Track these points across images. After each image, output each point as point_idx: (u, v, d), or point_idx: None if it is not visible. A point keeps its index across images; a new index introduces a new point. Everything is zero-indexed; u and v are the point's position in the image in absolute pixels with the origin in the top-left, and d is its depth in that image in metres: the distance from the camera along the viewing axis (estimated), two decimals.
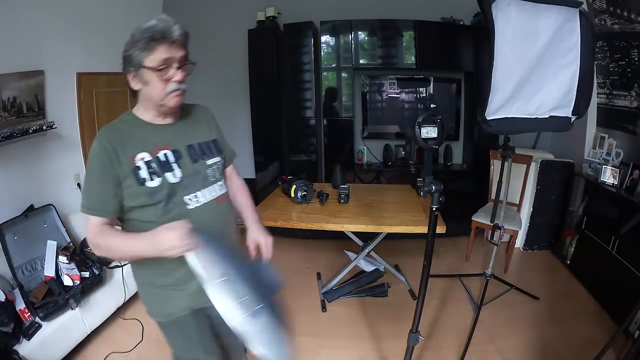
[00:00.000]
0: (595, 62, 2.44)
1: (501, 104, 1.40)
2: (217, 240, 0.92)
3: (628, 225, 2.12)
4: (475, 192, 3.26)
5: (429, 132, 1.17)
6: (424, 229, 1.72)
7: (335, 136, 3.47)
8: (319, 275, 2.74)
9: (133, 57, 0.90)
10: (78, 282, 2.01)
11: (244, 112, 3.51)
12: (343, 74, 3.35)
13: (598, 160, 2.61)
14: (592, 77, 1.55)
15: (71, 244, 2.21)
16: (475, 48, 3.20)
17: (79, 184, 2.56)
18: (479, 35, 3.07)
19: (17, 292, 1.85)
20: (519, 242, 3.06)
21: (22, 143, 2.10)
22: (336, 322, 2.24)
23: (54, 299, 1.85)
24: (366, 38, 3.33)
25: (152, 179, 0.95)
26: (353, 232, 2.39)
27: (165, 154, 0.98)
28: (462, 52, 3.28)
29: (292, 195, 2.31)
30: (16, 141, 2.03)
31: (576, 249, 2.71)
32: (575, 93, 1.48)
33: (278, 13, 3.28)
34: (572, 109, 1.51)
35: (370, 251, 2.47)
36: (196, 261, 0.87)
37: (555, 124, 1.52)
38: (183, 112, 1.07)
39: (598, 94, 2.67)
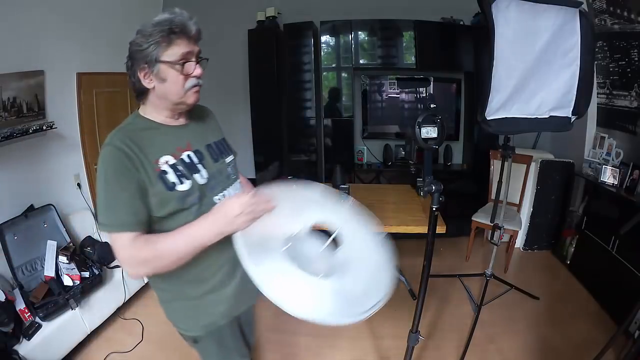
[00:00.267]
0: (595, 62, 2.43)
1: (501, 104, 1.40)
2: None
3: (628, 225, 2.12)
4: (475, 192, 3.26)
5: (429, 132, 1.16)
6: (424, 229, 1.72)
7: (335, 136, 3.47)
8: None
9: (147, 52, 0.83)
10: (78, 282, 2.01)
11: (244, 112, 3.51)
12: (343, 74, 3.35)
13: (598, 160, 2.61)
14: (592, 77, 1.55)
15: (71, 244, 2.21)
16: (475, 48, 3.20)
17: (79, 184, 2.56)
18: (479, 35, 3.07)
19: (17, 292, 1.85)
20: (519, 242, 3.06)
21: (22, 143, 2.10)
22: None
23: (54, 299, 1.85)
24: (366, 38, 3.33)
25: (182, 182, 0.87)
26: None
27: (188, 155, 0.92)
28: (462, 52, 3.28)
29: None
30: (16, 141, 2.03)
31: (576, 249, 2.71)
32: (575, 93, 1.47)
33: (278, 13, 3.28)
34: (572, 109, 1.50)
35: None
36: (259, 232, 0.81)
37: (555, 124, 1.52)
38: (190, 112, 1.01)
39: (598, 94, 2.67)
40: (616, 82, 2.49)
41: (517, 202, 2.81)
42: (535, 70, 1.41)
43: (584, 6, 1.48)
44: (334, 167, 2.70)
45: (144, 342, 2.09)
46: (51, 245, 2.06)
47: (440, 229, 1.80)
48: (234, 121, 3.51)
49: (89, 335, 2.04)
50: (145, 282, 2.51)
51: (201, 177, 0.92)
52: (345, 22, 3.22)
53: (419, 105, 3.25)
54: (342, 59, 3.31)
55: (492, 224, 2.28)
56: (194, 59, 0.88)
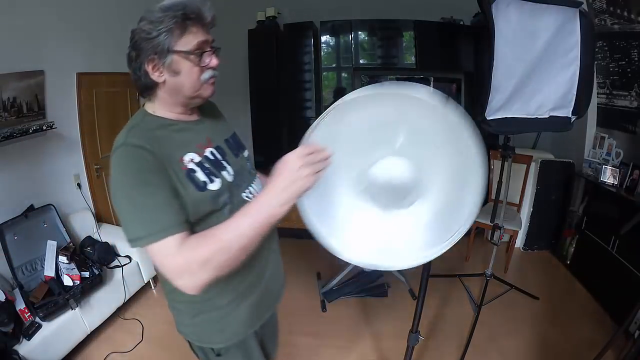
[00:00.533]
0: (595, 62, 2.43)
1: (501, 104, 1.40)
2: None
3: (628, 225, 2.12)
4: None
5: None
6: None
7: None
8: (319, 275, 2.74)
9: (157, 41, 0.73)
10: (78, 282, 2.01)
11: (243, 113, 3.52)
12: (343, 74, 3.35)
13: (598, 160, 2.60)
14: (592, 77, 1.55)
15: (71, 244, 2.21)
16: (475, 48, 3.20)
17: (79, 184, 2.56)
18: (479, 35, 3.07)
19: (17, 292, 1.85)
20: (519, 242, 3.06)
21: (22, 143, 2.11)
22: (336, 322, 2.24)
23: (54, 299, 1.85)
24: (366, 38, 3.33)
25: (212, 181, 0.80)
26: None
27: (211, 152, 0.84)
28: (462, 52, 3.28)
29: None
30: (16, 141, 2.04)
31: (576, 249, 2.70)
32: (575, 93, 1.47)
33: (278, 13, 3.28)
34: (572, 109, 1.50)
35: None
36: (323, 189, 0.72)
37: (555, 124, 1.52)
38: (200, 106, 0.91)
39: (598, 94, 2.67)
40: (616, 82, 2.48)
41: (517, 202, 2.81)
42: (536, 70, 1.41)
43: (584, 6, 1.48)
44: None
45: (144, 342, 2.09)
46: (51, 245, 2.06)
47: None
48: (234, 121, 3.46)
49: (89, 335, 2.04)
50: (146, 282, 2.51)
51: (228, 174, 0.85)
52: (345, 22, 3.22)
53: None
54: (342, 59, 3.31)
55: (492, 224, 2.28)
56: (209, 49, 0.79)
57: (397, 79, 3.39)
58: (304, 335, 2.09)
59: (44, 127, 2.15)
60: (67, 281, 1.99)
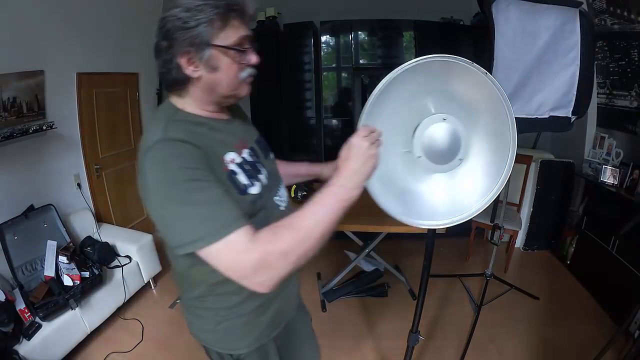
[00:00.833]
0: (595, 62, 2.43)
1: None
2: None
3: (628, 225, 2.12)
4: None
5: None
6: (424, 229, 1.72)
7: (335, 136, 3.47)
8: (319, 275, 2.74)
9: (196, 32, 0.65)
10: (78, 282, 2.01)
11: None
12: (343, 74, 3.35)
13: (598, 160, 2.61)
14: (592, 77, 1.55)
15: (71, 244, 2.21)
16: (475, 48, 3.20)
17: (79, 184, 2.56)
18: (479, 35, 3.07)
19: (17, 292, 1.85)
20: (519, 242, 3.06)
21: (22, 143, 2.11)
22: (336, 322, 2.24)
23: (54, 299, 1.85)
24: (366, 38, 3.33)
25: (252, 185, 0.75)
26: (353, 232, 2.39)
27: (248, 153, 0.80)
28: (462, 52, 3.26)
29: (292, 195, 2.31)
30: (16, 141, 2.04)
31: (576, 249, 2.71)
32: (575, 93, 1.47)
33: (278, 13, 3.28)
34: (572, 109, 1.50)
35: (370, 251, 2.47)
36: (384, 171, 0.75)
37: (555, 124, 1.52)
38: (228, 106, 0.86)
39: (598, 94, 2.67)
40: (616, 82, 2.48)
41: (517, 202, 2.81)
42: (536, 70, 1.41)
43: (584, 6, 1.48)
44: None
45: (144, 342, 2.09)
46: (51, 245, 2.06)
47: (441, 229, 1.80)
48: None
49: (89, 335, 2.04)
50: (146, 282, 2.51)
51: (264, 177, 0.80)
52: (345, 22, 3.22)
53: None
54: (342, 59, 3.31)
55: (492, 224, 2.28)
56: (249, 45, 0.73)
57: None
58: None
59: (44, 127, 2.15)
60: (67, 281, 1.99)
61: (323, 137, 3.47)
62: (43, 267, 2.01)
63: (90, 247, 2.28)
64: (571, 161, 2.87)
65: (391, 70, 0.76)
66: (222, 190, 0.65)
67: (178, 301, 2.47)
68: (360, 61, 3.33)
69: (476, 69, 0.75)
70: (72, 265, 2.05)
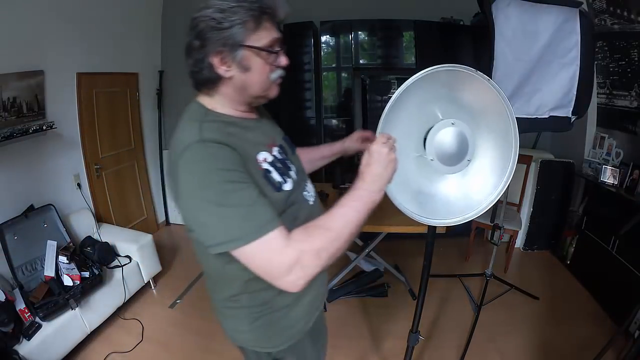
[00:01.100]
0: (595, 62, 2.43)
1: None
2: None
3: (628, 225, 2.12)
4: None
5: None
6: (424, 229, 1.72)
7: (335, 136, 3.47)
8: None
9: (230, 32, 0.67)
10: (78, 282, 2.01)
11: None
12: (343, 74, 3.35)
13: (598, 160, 2.61)
14: (592, 77, 1.55)
15: (71, 244, 2.21)
16: (475, 48, 3.20)
17: (78, 184, 2.56)
18: (479, 35, 3.06)
19: (17, 292, 1.85)
20: (519, 242, 3.06)
21: (22, 143, 2.11)
22: (336, 322, 2.24)
23: (54, 299, 1.86)
24: (366, 38, 3.33)
25: (285, 181, 0.77)
26: None
27: (278, 151, 0.82)
28: (462, 52, 3.28)
29: None
30: (16, 141, 2.04)
31: (576, 249, 2.71)
32: (575, 93, 1.47)
33: None
34: (572, 109, 1.50)
35: (370, 251, 2.47)
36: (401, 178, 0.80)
37: (555, 124, 1.52)
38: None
39: (598, 94, 2.67)
40: (616, 82, 2.48)
41: (517, 202, 2.81)
42: (535, 70, 1.41)
43: (584, 6, 1.48)
44: (334, 167, 2.71)
45: (144, 342, 2.09)
46: (51, 245, 2.06)
47: (440, 229, 1.80)
48: None
49: (89, 335, 2.04)
50: (146, 282, 2.51)
51: (294, 174, 0.82)
52: (345, 22, 3.22)
53: None
54: (342, 59, 3.31)
55: (492, 224, 2.28)
56: (279, 47, 0.76)
57: (398, 79, 3.39)
58: None
59: (44, 127, 2.15)
60: (67, 281, 1.99)
61: (323, 137, 3.47)
62: (43, 267, 2.01)
63: (90, 247, 2.28)
64: (571, 161, 2.87)
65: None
66: (257, 192, 0.67)
67: (178, 301, 2.47)
68: (360, 61, 3.33)
69: (480, 76, 0.81)
70: (72, 265, 2.05)
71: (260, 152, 0.75)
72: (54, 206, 2.20)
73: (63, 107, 2.40)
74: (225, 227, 0.65)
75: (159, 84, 3.49)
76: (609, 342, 1.52)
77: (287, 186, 0.77)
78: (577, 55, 1.43)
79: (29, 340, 1.72)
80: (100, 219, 2.69)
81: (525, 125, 1.50)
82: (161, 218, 3.70)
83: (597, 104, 2.71)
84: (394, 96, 0.79)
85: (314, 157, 1.14)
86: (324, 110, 3.41)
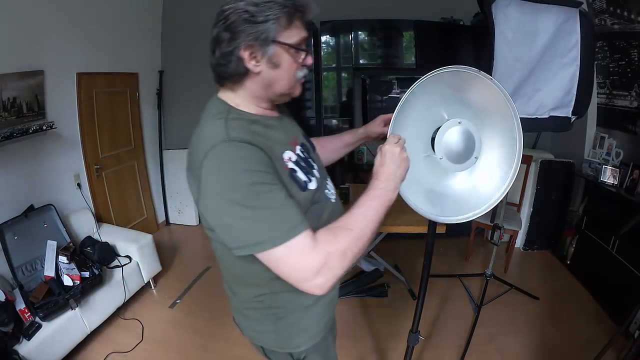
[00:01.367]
0: (595, 62, 2.43)
1: None
2: None
3: (628, 225, 2.12)
4: None
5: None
6: (424, 229, 1.72)
7: None
8: None
9: (264, 27, 0.66)
10: (78, 282, 2.01)
11: None
12: (343, 74, 3.35)
13: (598, 160, 2.61)
14: (592, 77, 1.55)
15: (71, 244, 2.21)
16: (475, 48, 3.20)
17: (78, 184, 2.56)
18: (479, 35, 3.06)
19: (17, 292, 1.85)
20: (519, 242, 3.06)
21: (22, 143, 2.11)
22: (336, 322, 2.24)
23: (54, 299, 1.85)
24: (366, 38, 3.33)
25: (310, 180, 0.76)
26: None
27: (300, 149, 0.80)
28: (462, 52, 3.28)
29: None
30: (16, 141, 2.04)
31: (576, 249, 2.71)
32: (575, 93, 1.47)
33: None
34: (572, 109, 1.50)
35: (370, 251, 2.47)
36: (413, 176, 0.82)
37: (555, 124, 1.52)
38: None
39: (598, 94, 2.67)
40: (616, 82, 2.48)
41: (517, 202, 2.81)
42: (535, 70, 1.41)
43: (584, 6, 1.48)
44: (334, 167, 2.71)
45: (144, 342, 2.09)
46: (51, 245, 2.06)
47: (440, 229, 1.80)
48: None
49: (89, 335, 2.04)
50: (146, 282, 2.51)
51: (317, 172, 0.81)
52: (345, 22, 3.22)
53: None
54: (342, 59, 3.31)
55: (492, 224, 2.28)
56: (305, 46, 0.74)
57: (398, 79, 3.39)
58: None
59: (44, 127, 2.15)
60: (67, 281, 1.99)
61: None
62: (43, 267, 2.01)
63: (90, 247, 2.28)
64: (571, 161, 2.87)
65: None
66: (285, 193, 0.66)
67: (178, 301, 2.47)
68: (360, 61, 3.33)
69: (483, 76, 0.83)
70: (72, 265, 2.05)
71: (285, 151, 0.74)
72: (54, 206, 2.20)
73: (63, 107, 2.40)
74: (253, 230, 0.63)
75: (159, 84, 3.49)
76: (609, 342, 1.52)
77: (312, 185, 0.77)
78: (577, 55, 1.43)
79: (29, 340, 1.72)
80: (100, 219, 2.69)
81: (525, 125, 1.50)
82: (161, 218, 3.70)
83: (597, 104, 2.71)
84: (402, 98, 0.81)
85: (337, 145, 1.12)
86: (323, 110, 3.41)
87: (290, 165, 0.73)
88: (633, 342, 1.81)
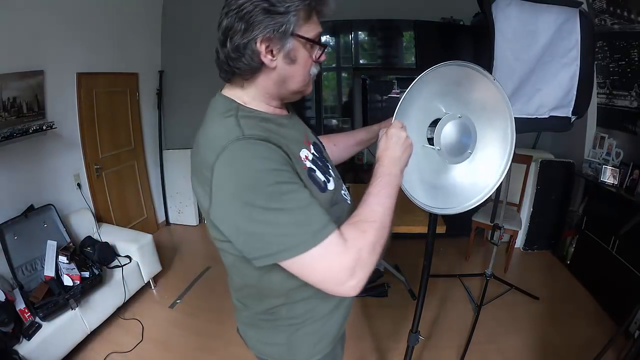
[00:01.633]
0: (595, 62, 2.43)
1: None
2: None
3: (628, 225, 2.12)
4: None
5: (430, 132, 1.17)
6: (424, 229, 1.72)
7: None
8: None
9: (284, 19, 0.60)
10: (78, 282, 2.01)
11: None
12: (343, 74, 3.36)
13: (598, 160, 2.61)
14: (592, 77, 1.55)
15: (71, 244, 2.21)
16: (475, 48, 3.20)
17: (78, 184, 2.56)
18: (479, 35, 3.06)
19: (17, 292, 1.85)
20: (519, 242, 3.06)
21: (22, 143, 2.11)
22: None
23: (54, 299, 1.85)
24: (366, 38, 3.33)
25: (329, 181, 0.72)
26: None
27: (314, 148, 0.76)
28: (462, 52, 3.28)
29: None
30: (16, 141, 2.04)
31: (576, 249, 2.70)
32: (575, 93, 1.47)
33: None
34: (572, 109, 1.50)
35: None
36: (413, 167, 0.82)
37: (555, 124, 1.52)
38: None
39: (598, 94, 2.67)
40: (616, 82, 2.48)
41: (517, 202, 2.81)
42: (535, 71, 1.41)
43: (584, 6, 1.48)
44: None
45: (144, 342, 2.09)
46: (51, 245, 2.06)
47: (440, 229, 1.80)
48: None
49: (89, 335, 2.04)
50: (146, 282, 2.51)
51: (332, 172, 0.77)
52: (345, 22, 3.22)
53: None
54: (342, 59, 3.31)
55: (492, 224, 2.28)
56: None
57: (398, 79, 3.39)
58: None
59: (44, 127, 2.15)
60: (67, 281, 1.99)
61: None
62: (43, 267, 2.01)
63: (90, 247, 2.28)
64: (571, 161, 2.87)
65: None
66: (309, 193, 0.60)
67: (178, 301, 2.47)
68: (360, 61, 3.33)
69: (482, 74, 0.87)
70: (72, 265, 2.05)
71: (302, 149, 0.69)
72: (54, 206, 2.20)
73: (63, 107, 2.40)
74: (280, 235, 0.57)
75: (159, 84, 3.49)
76: (609, 342, 1.52)
77: (331, 185, 0.72)
78: (577, 55, 1.43)
79: (29, 340, 1.72)
80: (100, 219, 2.69)
81: (525, 125, 1.50)
82: (161, 218, 3.70)
83: (597, 104, 2.71)
84: (409, 87, 0.81)
85: (349, 143, 1.06)
86: (323, 110, 3.41)
87: (308, 164, 0.69)
88: (633, 342, 1.81)
